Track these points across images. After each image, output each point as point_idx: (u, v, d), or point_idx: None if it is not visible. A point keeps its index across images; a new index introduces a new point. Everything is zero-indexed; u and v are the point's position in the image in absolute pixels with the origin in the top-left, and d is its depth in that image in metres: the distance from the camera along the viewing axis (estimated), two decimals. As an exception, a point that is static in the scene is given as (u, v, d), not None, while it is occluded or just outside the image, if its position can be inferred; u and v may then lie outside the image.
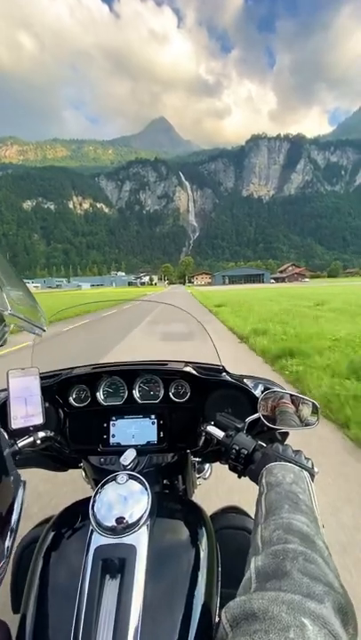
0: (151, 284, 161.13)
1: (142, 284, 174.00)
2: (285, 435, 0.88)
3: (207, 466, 1.28)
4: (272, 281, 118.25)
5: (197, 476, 1.20)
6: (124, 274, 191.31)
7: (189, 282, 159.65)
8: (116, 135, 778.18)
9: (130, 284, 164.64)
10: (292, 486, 0.53)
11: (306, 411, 0.80)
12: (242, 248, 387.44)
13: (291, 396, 0.82)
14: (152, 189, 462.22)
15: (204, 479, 1.29)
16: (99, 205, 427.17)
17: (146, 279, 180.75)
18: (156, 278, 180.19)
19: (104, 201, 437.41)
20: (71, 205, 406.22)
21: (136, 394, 0.96)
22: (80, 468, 0.99)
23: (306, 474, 0.56)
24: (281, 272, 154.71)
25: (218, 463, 0.82)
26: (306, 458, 0.61)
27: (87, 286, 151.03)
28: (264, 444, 0.69)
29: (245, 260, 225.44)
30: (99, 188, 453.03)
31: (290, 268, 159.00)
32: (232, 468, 0.70)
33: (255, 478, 0.62)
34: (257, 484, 0.59)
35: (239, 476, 0.70)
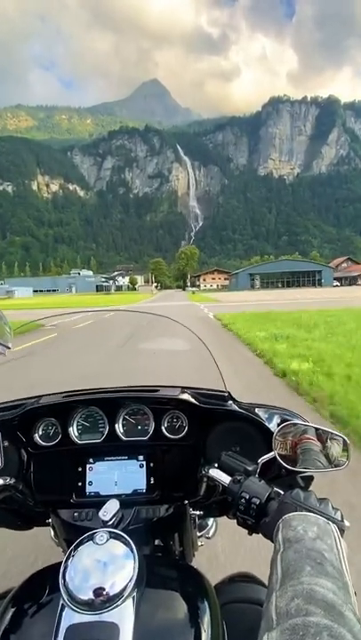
0: (133, 289, 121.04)
1: (119, 288, 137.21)
2: (309, 480, 0.82)
3: (211, 521, 1.22)
4: (336, 283, 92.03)
5: (198, 534, 1.15)
6: (91, 273, 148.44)
7: (194, 285, 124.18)
8: (96, 101, 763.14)
9: (99, 288, 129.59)
10: (315, 542, 0.50)
11: (335, 448, 0.76)
12: (259, 242, 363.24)
13: (316, 429, 0.79)
14: (141, 167, 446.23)
15: (207, 538, 1.23)
16: (71, 187, 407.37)
17: (124, 281, 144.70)
18: (141, 280, 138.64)
19: (78, 181, 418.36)
20: (35, 187, 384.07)
21: (119, 429, 0.94)
22: (48, 525, 0.94)
23: (333, 527, 0.54)
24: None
25: (225, 517, 0.80)
26: (334, 507, 0.59)
27: (28, 293, 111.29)
28: (281, 492, 0.67)
29: (256, 258, 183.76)
30: (72, 166, 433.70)
31: (343, 265, 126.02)
32: (241, 523, 0.68)
33: (270, 534, 0.60)
34: (272, 541, 0.57)
35: (250, 533, 0.69)
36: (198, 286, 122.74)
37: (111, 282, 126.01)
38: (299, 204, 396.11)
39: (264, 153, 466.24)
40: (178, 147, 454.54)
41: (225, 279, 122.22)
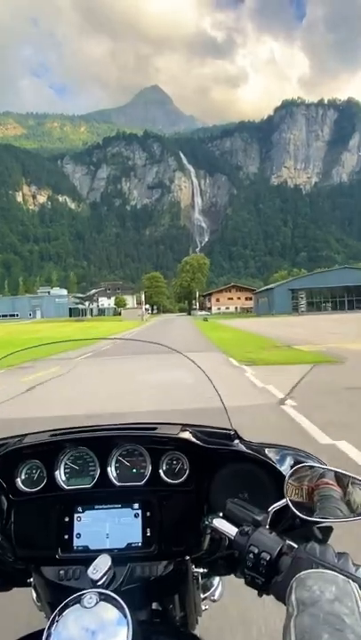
0: (116, 314, 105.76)
1: (101, 311, 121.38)
2: (328, 531, 0.80)
3: (216, 580, 1.15)
4: None
5: (202, 595, 1.08)
6: (64, 292, 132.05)
7: (203, 308, 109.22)
8: (91, 108, 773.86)
9: (73, 311, 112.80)
10: (333, 605, 0.49)
11: (358, 494, 0.74)
12: (274, 258, 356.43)
13: (335, 473, 0.77)
14: (140, 176, 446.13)
15: (213, 601, 1.15)
16: (61, 198, 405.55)
17: (108, 303, 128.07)
18: (132, 301, 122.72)
19: (69, 192, 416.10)
20: (20, 198, 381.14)
21: (112, 472, 0.92)
22: (29, 585, 0.91)
23: (354, 587, 0.52)
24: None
25: (232, 576, 0.78)
26: (354, 564, 0.58)
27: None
28: (295, 545, 0.65)
29: (281, 273, 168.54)
30: (62, 175, 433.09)
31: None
32: (250, 582, 0.66)
33: (282, 595, 0.57)
34: (284, 603, 0.55)
35: (260, 594, 0.66)
36: (209, 309, 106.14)
37: (87, 303, 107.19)
38: (318, 216, 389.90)
39: (277, 160, 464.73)
40: (181, 154, 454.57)
41: (246, 299, 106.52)
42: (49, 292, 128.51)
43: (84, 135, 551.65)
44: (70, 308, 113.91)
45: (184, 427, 0.97)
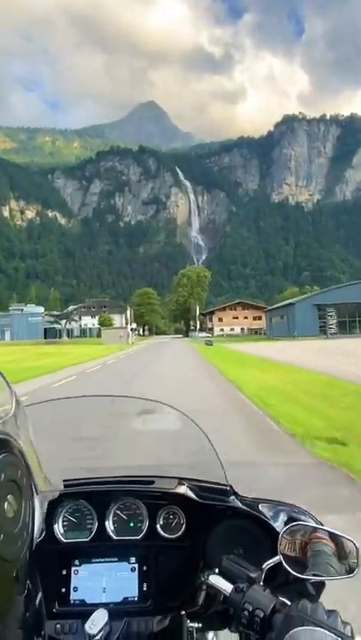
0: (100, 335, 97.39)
1: (83, 332, 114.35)
2: (320, 586, 0.84)
3: (210, 635, 1.16)
4: None
5: None
6: (40, 309, 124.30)
7: (203, 328, 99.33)
8: (84, 124, 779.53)
9: (49, 332, 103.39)
10: None
11: (347, 551, 0.79)
12: (275, 278, 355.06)
13: (329, 532, 0.82)
14: (134, 192, 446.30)
15: None
16: (51, 214, 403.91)
17: (92, 322, 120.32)
18: (120, 320, 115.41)
19: (59, 208, 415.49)
20: (7, 213, 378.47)
21: (110, 526, 0.94)
22: None
23: None
24: None
25: (226, 630, 0.81)
26: (343, 622, 0.62)
27: None
28: (288, 602, 0.68)
29: (291, 290, 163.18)
30: (52, 190, 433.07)
31: None
32: (245, 639, 0.70)
33: None
34: None
35: None
36: (210, 330, 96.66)
37: (64, 322, 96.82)
38: (321, 235, 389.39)
39: (278, 177, 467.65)
40: (177, 169, 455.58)
41: (254, 318, 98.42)
42: (22, 310, 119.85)
43: (76, 150, 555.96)
44: (46, 329, 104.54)
45: (181, 480, 1.00)
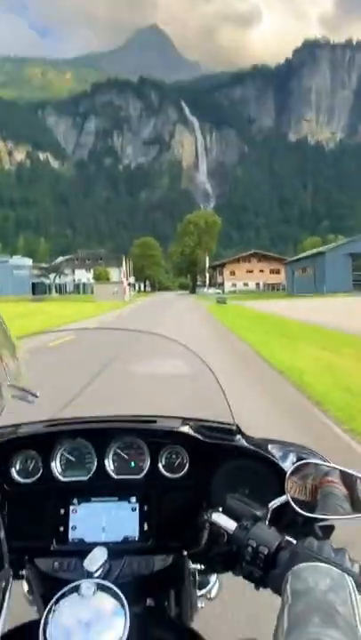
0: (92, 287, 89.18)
1: (76, 287, 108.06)
2: (329, 529, 0.86)
3: (213, 577, 1.22)
4: None
5: (198, 593, 1.16)
6: (29, 261, 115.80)
7: (213, 283, 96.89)
8: (78, 52, 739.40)
9: (37, 286, 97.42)
10: (327, 595, 0.54)
11: (359, 491, 0.81)
12: (291, 227, 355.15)
13: (341, 472, 0.82)
14: (134, 130, 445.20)
15: (209, 599, 1.23)
16: (42, 156, 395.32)
17: (87, 277, 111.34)
18: (118, 274, 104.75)
19: (52, 149, 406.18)
20: None
21: (109, 465, 0.97)
22: (21, 578, 0.97)
23: (349, 580, 0.58)
24: None
25: (230, 573, 0.84)
26: (351, 559, 0.63)
27: None
28: (294, 541, 0.71)
29: (313, 239, 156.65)
30: (43, 129, 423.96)
31: None
32: (247, 575, 0.72)
33: (279, 587, 0.63)
34: (279, 595, 0.61)
35: (257, 587, 0.72)
36: (221, 285, 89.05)
37: (53, 276, 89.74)
38: (343, 179, 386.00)
39: (296, 112, 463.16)
40: (182, 103, 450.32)
41: (272, 272, 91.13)
42: (7, 262, 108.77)
43: (69, 83, 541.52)
44: (34, 283, 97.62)
45: (185, 420, 1.03)
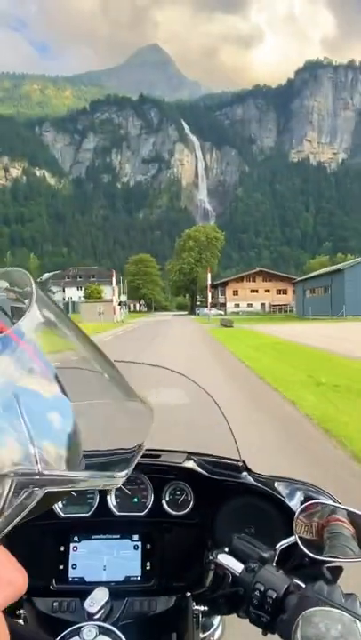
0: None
1: (67, 307, 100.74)
2: (337, 571, 0.83)
3: (217, 620, 1.21)
4: None
5: (202, 635, 1.12)
6: (5, 283, 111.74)
7: (214, 304, 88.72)
8: (78, 70, 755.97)
9: (18, 309, 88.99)
10: None
11: None
12: (293, 249, 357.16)
13: (348, 512, 0.82)
14: (133, 148, 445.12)
15: None
16: (39, 172, 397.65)
17: (77, 295, 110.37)
18: (112, 293, 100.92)
19: (49, 165, 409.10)
20: None
21: (112, 501, 0.96)
22: (19, 617, 0.94)
23: (360, 626, 0.58)
24: None
25: (234, 616, 0.81)
26: None
27: None
28: (302, 585, 0.69)
29: (321, 259, 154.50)
30: (41, 145, 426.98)
31: None
32: (255, 620, 0.71)
33: (287, 634, 0.63)
34: None
35: (265, 633, 0.71)
36: (223, 306, 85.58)
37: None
38: (346, 200, 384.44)
39: (298, 132, 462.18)
40: (183, 122, 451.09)
41: (279, 292, 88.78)
42: None
43: (68, 100, 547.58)
44: (12, 307, 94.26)
45: (189, 455, 1.02)
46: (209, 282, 59.39)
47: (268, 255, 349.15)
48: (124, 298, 73.87)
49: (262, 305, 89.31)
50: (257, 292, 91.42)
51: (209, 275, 59.72)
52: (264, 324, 44.49)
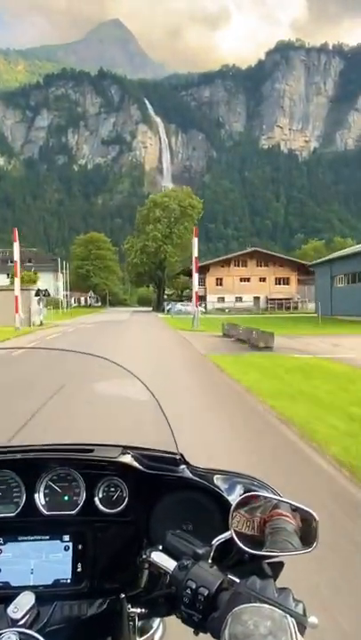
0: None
1: None
2: (279, 566, 0.85)
3: (156, 622, 1.17)
4: None
5: (139, 639, 1.10)
6: None
7: (188, 296, 62.15)
8: (32, 43, 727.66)
9: None
10: (266, 639, 0.54)
11: (308, 525, 0.81)
12: (262, 240, 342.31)
13: (292, 505, 0.83)
14: (92, 127, 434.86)
15: None
16: None
17: (7, 282, 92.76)
18: (53, 282, 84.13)
19: None
20: None
21: (40, 500, 0.94)
22: None
23: (291, 622, 0.58)
24: None
25: (174, 616, 0.80)
26: (295, 599, 0.63)
27: None
28: (237, 580, 0.69)
29: (314, 243, 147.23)
30: None
31: None
32: (186, 619, 0.70)
33: (217, 632, 0.62)
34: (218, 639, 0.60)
35: (196, 633, 0.71)
36: (203, 300, 64.95)
37: None
38: (317, 190, 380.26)
39: (268, 118, 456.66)
40: (146, 102, 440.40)
41: (279, 281, 70.79)
42: None
43: (21, 75, 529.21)
44: None
45: (125, 449, 1.00)
46: (195, 254, 36.65)
47: (237, 247, 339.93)
48: (43, 286, 55.03)
49: (256, 299, 69.51)
50: (248, 280, 71.18)
51: (195, 240, 37.65)
52: (292, 332, 25.81)
